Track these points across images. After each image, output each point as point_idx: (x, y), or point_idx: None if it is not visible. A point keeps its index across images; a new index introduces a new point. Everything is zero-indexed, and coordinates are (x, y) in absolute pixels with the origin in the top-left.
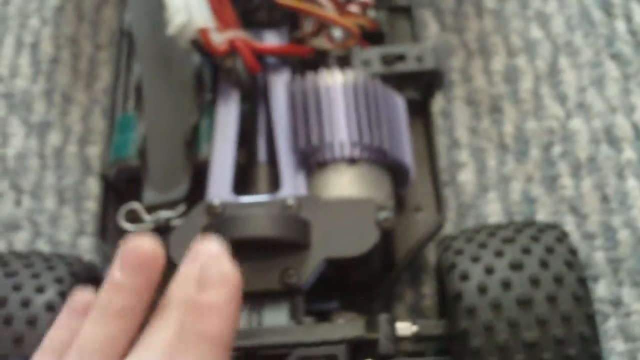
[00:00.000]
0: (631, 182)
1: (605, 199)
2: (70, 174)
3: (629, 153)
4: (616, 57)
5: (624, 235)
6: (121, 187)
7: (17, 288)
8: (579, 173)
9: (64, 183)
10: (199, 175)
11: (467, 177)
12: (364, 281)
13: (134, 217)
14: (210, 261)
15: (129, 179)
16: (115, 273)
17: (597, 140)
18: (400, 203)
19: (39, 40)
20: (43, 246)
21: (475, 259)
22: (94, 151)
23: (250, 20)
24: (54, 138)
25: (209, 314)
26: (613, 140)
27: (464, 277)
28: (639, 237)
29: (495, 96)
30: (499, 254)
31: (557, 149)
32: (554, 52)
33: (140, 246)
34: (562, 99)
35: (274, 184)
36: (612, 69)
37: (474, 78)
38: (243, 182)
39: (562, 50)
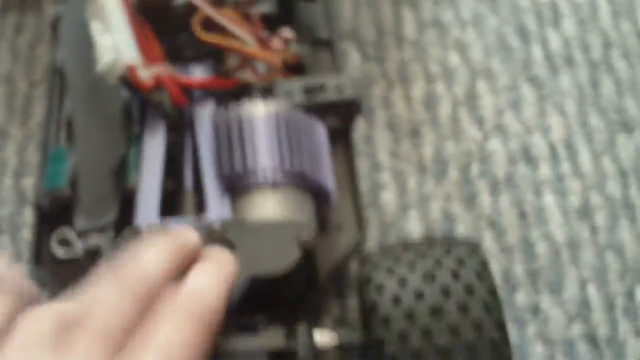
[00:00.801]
0: (547, 198)
1: (523, 214)
2: (7, 205)
3: (545, 170)
4: (532, 80)
5: (541, 248)
6: (54, 215)
7: None
8: (497, 191)
9: (0, 214)
10: (127, 203)
11: (388, 197)
12: (291, 296)
13: (65, 243)
14: None
15: (61, 207)
16: None
17: (514, 160)
18: (323, 223)
19: None
20: None
21: (389, 272)
22: (29, 183)
23: (176, 55)
24: None
25: None
26: (530, 159)
27: (379, 289)
28: (556, 250)
29: (415, 121)
30: (412, 266)
31: (475, 169)
32: (472, 77)
33: None
34: (479, 122)
35: (201, 209)
36: (528, 92)
37: (394, 105)
38: (171, 208)
39: (480, 76)
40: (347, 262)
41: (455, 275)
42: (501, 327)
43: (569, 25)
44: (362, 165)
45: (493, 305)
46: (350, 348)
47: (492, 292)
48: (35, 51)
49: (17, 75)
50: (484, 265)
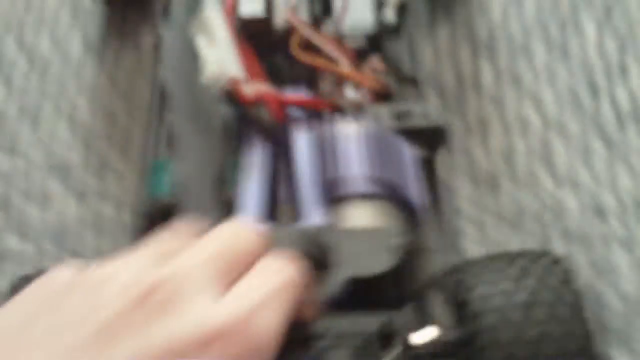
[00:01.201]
0: (617, 254)
1: (594, 267)
2: (108, 237)
3: (614, 226)
4: (602, 135)
5: (612, 301)
6: (155, 223)
7: None
8: (570, 244)
9: (102, 244)
10: (228, 212)
11: (467, 245)
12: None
13: None
14: None
15: (163, 215)
16: None
17: (585, 214)
18: (411, 243)
19: (76, 108)
20: None
21: (480, 277)
22: (129, 214)
23: (272, 76)
24: (92, 201)
25: None
26: (600, 214)
27: (469, 289)
28: (626, 305)
29: (492, 172)
30: (500, 270)
31: (549, 221)
32: (546, 131)
33: None
34: (553, 175)
35: (296, 218)
36: (599, 148)
37: (473, 154)
38: (268, 217)
39: (554, 130)
40: (434, 281)
41: (543, 280)
42: (583, 323)
43: (636, 80)
44: None
45: (576, 303)
46: (447, 342)
47: (576, 293)
48: (134, 84)
49: (117, 107)
50: (567, 272)
